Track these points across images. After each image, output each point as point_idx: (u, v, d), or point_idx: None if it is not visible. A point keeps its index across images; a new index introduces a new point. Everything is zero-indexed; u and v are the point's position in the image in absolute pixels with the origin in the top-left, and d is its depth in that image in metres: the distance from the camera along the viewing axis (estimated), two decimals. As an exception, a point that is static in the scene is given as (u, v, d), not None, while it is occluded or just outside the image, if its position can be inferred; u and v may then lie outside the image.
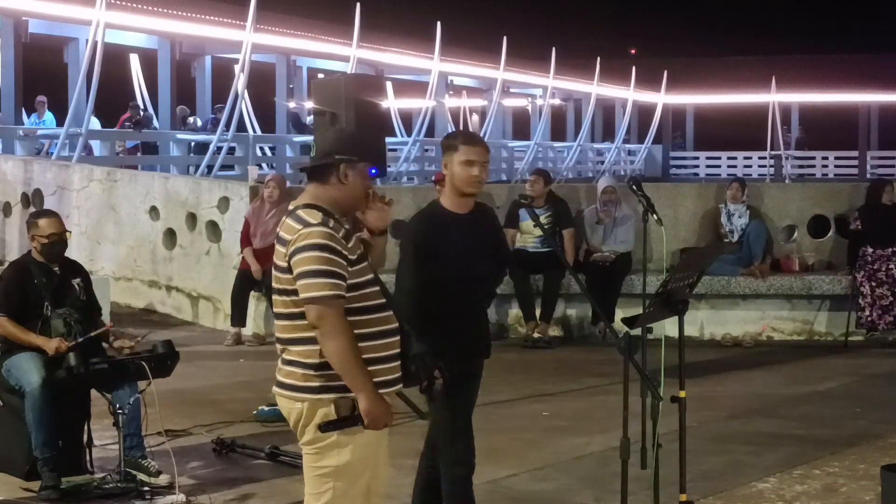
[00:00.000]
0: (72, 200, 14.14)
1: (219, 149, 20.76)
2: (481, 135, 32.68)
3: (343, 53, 25.45)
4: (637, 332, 5.41)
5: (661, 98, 42.30)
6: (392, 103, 29.91)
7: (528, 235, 11.66)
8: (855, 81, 41.43)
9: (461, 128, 38.37)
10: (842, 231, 12.52)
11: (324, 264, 4.28)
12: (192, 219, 13.28)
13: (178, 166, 21.11)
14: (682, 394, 5.34)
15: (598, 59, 36.27)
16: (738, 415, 8.87)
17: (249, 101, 24.54)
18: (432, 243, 5.34)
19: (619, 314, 10.87)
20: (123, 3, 20.15)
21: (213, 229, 13.10)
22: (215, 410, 8.93)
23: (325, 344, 4.29)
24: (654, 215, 6.22)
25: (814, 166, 43.85)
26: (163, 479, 6.87)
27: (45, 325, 7.02)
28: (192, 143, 22.50)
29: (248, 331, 12.11)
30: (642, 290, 6.96)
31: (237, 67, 21.66)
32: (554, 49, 33.82)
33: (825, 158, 44.31)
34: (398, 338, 4.49)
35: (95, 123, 20.40)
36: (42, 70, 23.00)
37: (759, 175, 39.00)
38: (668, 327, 6.01)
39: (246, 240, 12.04)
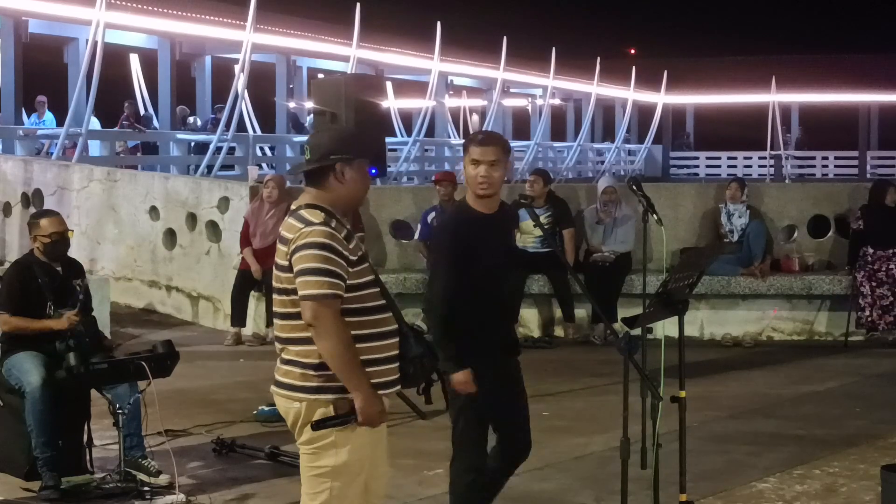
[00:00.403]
0: (72, 200, 14.14)
1: (219, 149, 20.76)
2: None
3: (343, 53, 25.44)
4: (637, 332, 5.42)
5: (661, 98, 42.30)
6: (392, 103, 29.87)
7: (528, 235, 11.66)
8: (855, 81, 41.41)
9: (461, 128, 38.39)
10: (842, 231, 12.52)
11: (323, 263, 4.28)
12: (192, 219, 13.28)
13: (178, 166, 21.10)
14: (682, 394, 5.35)
15: (598, 59, 36.26)
16: (738, 415, 8.87)
17: (249, 101, 24.52)
18: (465, 243, 5.29)
19: (620, 314, 10.90)
20: (123, 3, 20.14)
21: (213, 229, 13.10)
22: (215, 410, 8.93)
23: (320, 343, 4.29)
24: (654, 215, 6.23)
25: (814, 166, 43.84)
26: (163, 479, 6.87)
27: (46, 325, 7.04)
28: (192, 143, 22.49)
29: (248, 331, 12.11)
30: (642, 290, 6.98)
31: (237, 67, 21.66)
32: (554, 49, 33.82)
33: (825, 158, 44.30)
34: (397, 339, 4.50)
35: (95, 123, 20.40)
36: (42, 70, 22.98)
37: (759, 175, 39.00)
38: (668, 327, 6.03)
39: (246, 240, 12.05)
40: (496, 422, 5.43)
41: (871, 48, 45.97)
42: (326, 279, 4.27)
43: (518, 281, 5.72)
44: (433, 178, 14.46)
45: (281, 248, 4.42)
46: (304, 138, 23.17)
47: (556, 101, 37.68)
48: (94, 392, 7.07)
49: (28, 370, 6.86)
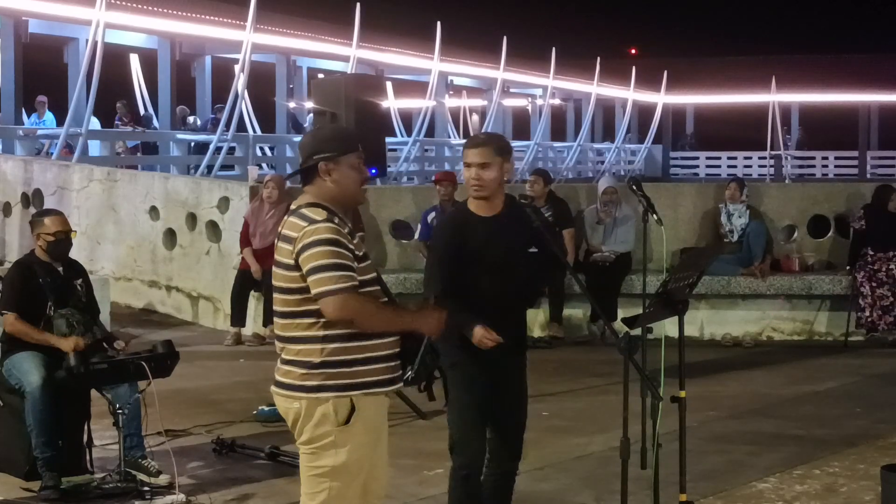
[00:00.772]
0: (72, 200, 14.14)
1: (219, 149, 20.74)
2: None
3: (343, 53, 25.43)
4: (637, 332, 5.41)
5: (661, 98, 42.29)
6: (392, 103, 29.86)
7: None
8: (855, 81, 41.41)
9: (461, 128, 38.40)
10: (842, 231, 12.53)
11: (335, 258, 4.29)
12: (192, 219, 13.28)
13: (178, 166, 21.10)
14: (682, 394, 5.35)
15: (598, 59, 36.26)
16: (738, 415, 8.87)
17: (249, 101, 24.52)
18: (455, 247, 5.28)
19: (620, 314, 10.90)
20: (123, 3, 20.13)
21: (213, 229, 13.10)
22: (215, 410, 8.93)
23: (364, 327, 4.32)
24: (655, 215, 6.22)
25: (814, 166, 43.83)
26: (163, 479, 6.87)
27: (47, 325, 7.04)
28: (192, 143, 22.49)
29: (248, 331, 12.11)
30: (642, 290, 6.97)
31: (237, 67, 21.66)
32: (554, 49, 33.81)
33: (825, 158, 44.29)
34: (398, 338, 4.50)
35: (95, 123, 20.39)
36: (42, 70, 22.97)
37: (759, 175, 39.00)
38: (668, 327, 6.02)
39: (245, 240, 12.05)
40: (490, 424, 5.40)
41: (871, 48, 46.00)
42: (342, 273, 4.29)
43: (532, 279, 5.58)
44: (433, 178, 14.46)
45: (283, 246, 4.41)
46: (303, 138, 23.18)
47: (556, 101, 37.67)
48: (94, 392, 7.07)
49: (28, 370, 6.86)
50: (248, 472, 7.34)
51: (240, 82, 21.02)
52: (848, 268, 11.93)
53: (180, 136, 22.57)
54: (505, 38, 31.16)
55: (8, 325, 7.04)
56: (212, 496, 6.79)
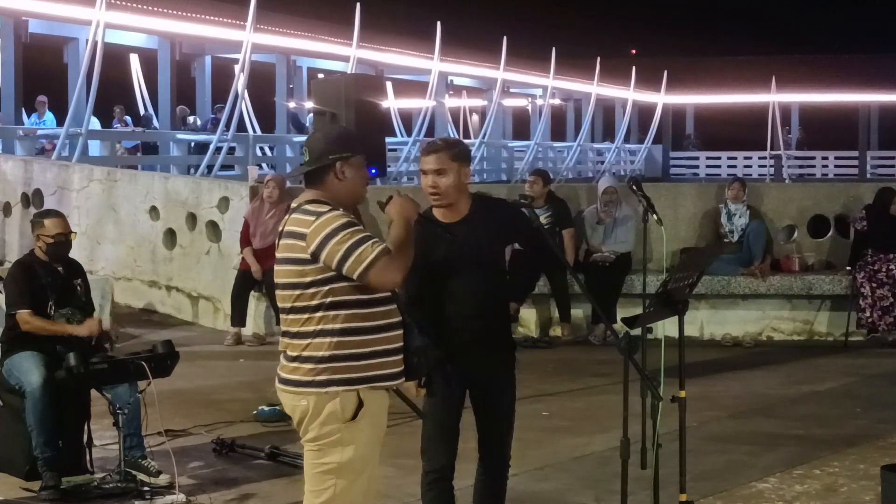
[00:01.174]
0: (72, 200, 14.14)
1: (219, 149, 20.75)
2: (481, 135, 32.75)
3: (343, 53, 25.45)
4: (637, 332, 5.41)
5: (661, 98, 42.30)
6: (392, 103, 29.87)
7: (527, 235, 11.64)
8: (855, 81, 41.43)
9: (461, 128, 38.40)
10: (842, 231, 12.53)
11: (357, 235, 4.31)
12: (192, 219, 13.28)
13: (178, 166, 21.10)
14: (682, 394, 5.34)
15: (598, 59, 36.27)
16: (738, 415, 8.87)
17: (249, 101, 24.53)
18: (421, 255, 4.97)
19: (620, 314, 10.90)
20: (123, 3, 20.14)
21: (213, 229, 13.10)
22: (215, 410, 8.93)
23: (407, 267, 4.38)
24: (655, 215, 6.23)
25: (814, 166, 43.84)
26: (163, 479, 6.87)
27: (47, 325, 7.05)
28: (192, 143, 22.50)
29: (248, 331, 12.11)
30: (642, 290, 6.98)
31: (237, 67, 21.67)
32: (554, 49, 33.83)
33: (825, 158, 44.30)
34: (402, 331, 4.50)
35: (95, 123, 20.40)
36: (42, 70, 22.99)
37: (759, 175, 39.00)
38: (668, 327, 6.02)
39: (246, 240, 12.05)
40: (477, 427, 5.33)
41: (871, 48, 46.02)
42: (369, 244, 4.29)
43: (488, 285, 5.31)
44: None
45: (291, 242, 4.38)
46: (304, 138, 23.13)
47: (556, 101, 37.69)
48: (94, 392, 7.07)
49: (28, 370, 6.86)
50: (248, 472, 7.33)
51: (240, 82, 21.02)
52: (848, 268, 11.93)
53: (180, 136, 22.58)
54: (505, 38, 31.19)
55: (24, 322, 7.02)
56: (212, 496, 6.78)
